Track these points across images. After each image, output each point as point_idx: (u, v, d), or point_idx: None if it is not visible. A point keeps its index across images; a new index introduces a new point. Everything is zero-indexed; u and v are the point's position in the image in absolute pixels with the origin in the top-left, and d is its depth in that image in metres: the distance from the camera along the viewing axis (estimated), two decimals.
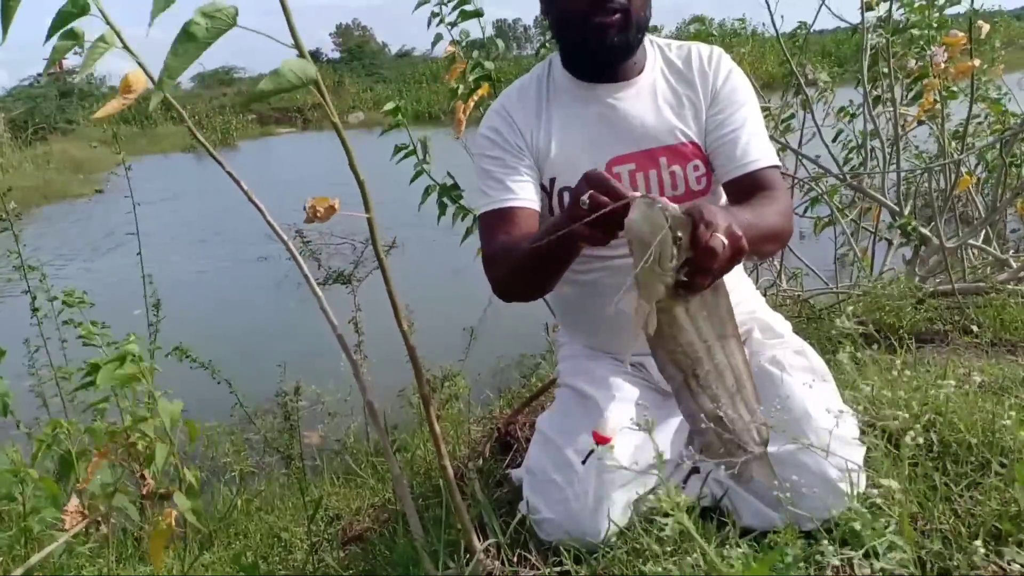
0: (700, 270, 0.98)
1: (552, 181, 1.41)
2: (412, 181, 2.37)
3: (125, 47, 0.95)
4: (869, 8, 2.78)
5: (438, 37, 2.37)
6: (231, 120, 20.36)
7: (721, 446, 1.08)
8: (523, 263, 1.26)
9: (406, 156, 2.34)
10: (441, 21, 2.34)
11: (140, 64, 0.98)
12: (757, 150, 1.35)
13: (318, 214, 1.03)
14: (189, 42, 0.84)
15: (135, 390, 1.71)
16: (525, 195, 1.38)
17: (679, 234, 0.96)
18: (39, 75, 24.05)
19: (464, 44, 2.40)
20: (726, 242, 0.96)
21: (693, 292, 1.01)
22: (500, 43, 2.47)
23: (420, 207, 2.41)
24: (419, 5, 2.32)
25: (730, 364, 1.07)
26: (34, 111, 18.65)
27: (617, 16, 1.32)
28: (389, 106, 2.32)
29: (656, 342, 1.06)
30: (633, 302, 1.01)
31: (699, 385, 1.07)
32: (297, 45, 0.89)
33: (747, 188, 1.33)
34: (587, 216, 1.00)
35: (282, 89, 0.86)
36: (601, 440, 1.23)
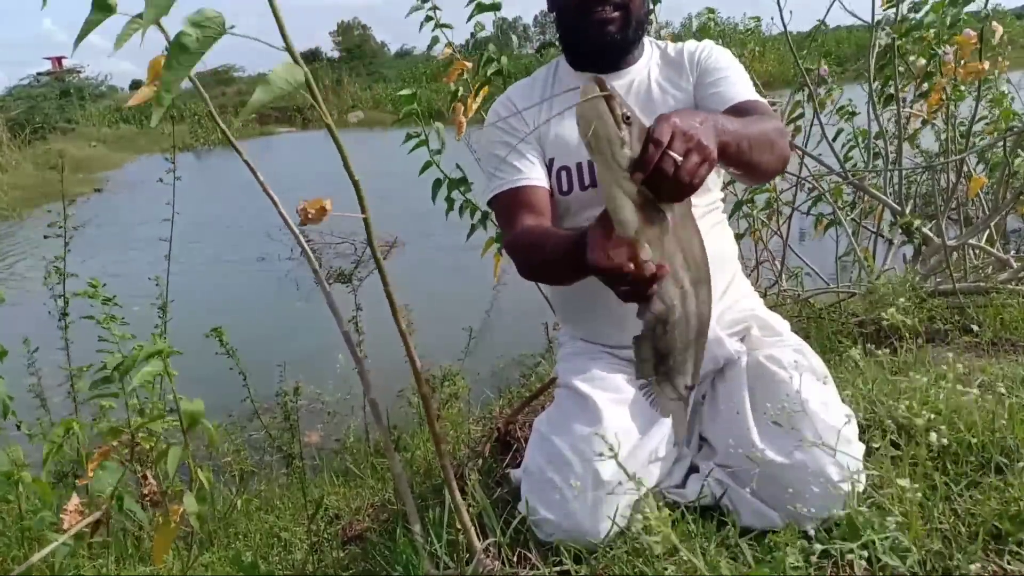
0: (657, 190, 0.96)
1: (551, 161, 1.48)
2: (422, 172, 2.38)
3: (160, 26, 0.94)
4: (892, 5, 2.74)
5: (434, 40, 2.39)
6: (231, 120, 20.33)
7: (654, 375, 1.11)
8: (545, 269, 1.34)
9: (417, 146, 2.34)
10: (437, 25, 2.35)
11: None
12: (742, 92, 1.40)
13: (310, 216, 1.02)
14: (182, 54, 0.84)
15: (153, 389, 1.71)
16: (535, 174, 1.45)
17: (623, 135, 0.94)
18: (39, 74, 24.10)
19: (475, 39, 2.42)
20: (680, 158, 0.94)
21: (662, 202, 0.99)
22: (514, 38, 2.48)
23: (434, 201, 2.42)
24: (412, 10, 2.32)
25: (698, 312, 1.08)
26: (33, 110, 18.65)
27: (617, 13, 1.40)
28: (405, 92, 2.30)
29: None
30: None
31: (664, 331, 1.07)
32: (288, 48, 0.89)
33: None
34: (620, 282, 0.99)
35: (275, 96, 0.86)
36: None
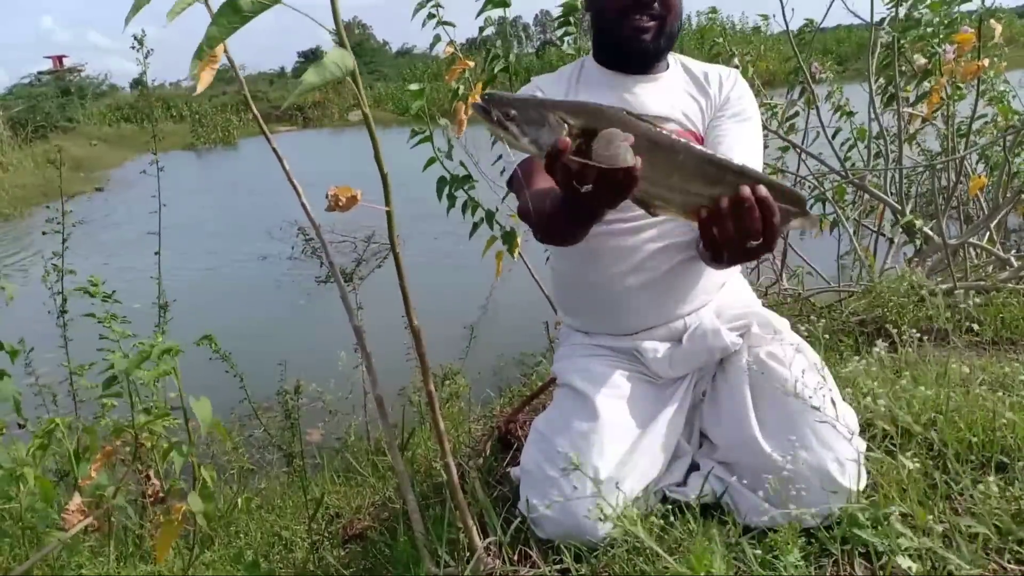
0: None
1: None
2: (425, 168, 2.38)
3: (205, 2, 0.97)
4: (895, 4, 2.73)
5: (437, 38, 2.39)
6: (232, 118, 20.37)
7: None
8: (553, 222, 1.27)
9: (422, 142, 2.34)
10: (439, 23, 2.35)
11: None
12: (751, 162, 1.42)
13: (340, 203, 1.03)
14: (233, 14, 0.85)
15: (157, 387, 1.71)
16: None
17: (513, 130, 1.01)
18: (40, 73, 24.14)
19: (482, 36, 2.43)
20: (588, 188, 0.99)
21: None
22: (521, 37, 2.50)
23: (440, 199, 2.41)
24: (417, 9, 2.33)
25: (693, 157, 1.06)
26: (34, 109, 18.66)
27: (653, 23, 1.45)
28: (413, 87, 2.29)
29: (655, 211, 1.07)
30: None
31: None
32: (339, 34, 0.93)
33: None
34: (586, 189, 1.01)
35: (326, 80, 0.88)
36: None
